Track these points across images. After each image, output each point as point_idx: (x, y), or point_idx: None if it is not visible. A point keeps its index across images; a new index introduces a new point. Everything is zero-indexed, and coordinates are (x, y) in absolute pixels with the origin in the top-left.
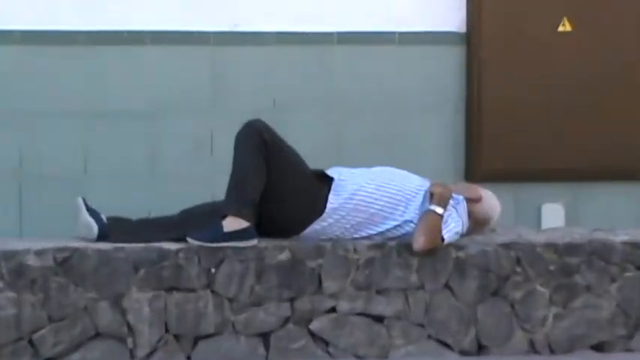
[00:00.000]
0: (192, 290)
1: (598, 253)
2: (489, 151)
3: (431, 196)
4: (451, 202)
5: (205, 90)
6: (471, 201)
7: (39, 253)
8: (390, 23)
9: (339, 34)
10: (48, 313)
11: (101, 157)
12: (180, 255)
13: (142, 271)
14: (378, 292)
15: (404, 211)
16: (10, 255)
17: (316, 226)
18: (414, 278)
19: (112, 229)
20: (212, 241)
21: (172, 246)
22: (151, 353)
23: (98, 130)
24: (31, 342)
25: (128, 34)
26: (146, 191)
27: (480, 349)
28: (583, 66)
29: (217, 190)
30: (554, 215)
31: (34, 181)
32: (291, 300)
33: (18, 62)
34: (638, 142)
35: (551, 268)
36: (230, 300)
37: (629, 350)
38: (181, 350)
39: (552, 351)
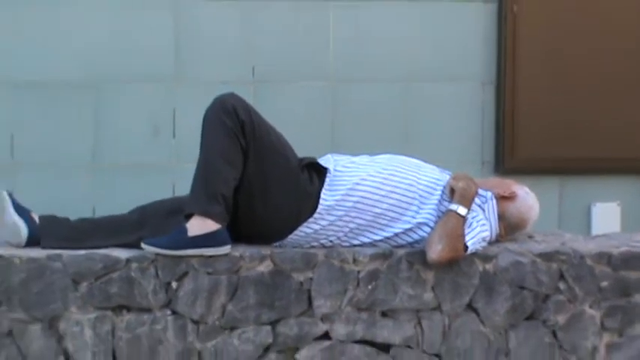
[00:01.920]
0: (148, 310)
1: None
2: (526, 137)
3: (451, 193)
4: (477, 200)
5: (166, 55)
6: (503, 199)
7: None
8: None
9: None
10: None
11: (32, 138)
12: (133, 265)
13: (83, 286)
14: (384, 314)
15: (417, 212)
16: None
17: (306, 229)
18: (428, 297)
19: (45, 231)
20: (174, 249)
21: (123, 254)
22: None
23: (29, 105)
24: None
25: None
26: (89, 183)
27: None
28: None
29: (180, 182)
30: (608, 217)
31: None
32: (273, 323)
33: None
34: None
35: (604, 284)
36: (196, 322)
37: None
38: None
39: None
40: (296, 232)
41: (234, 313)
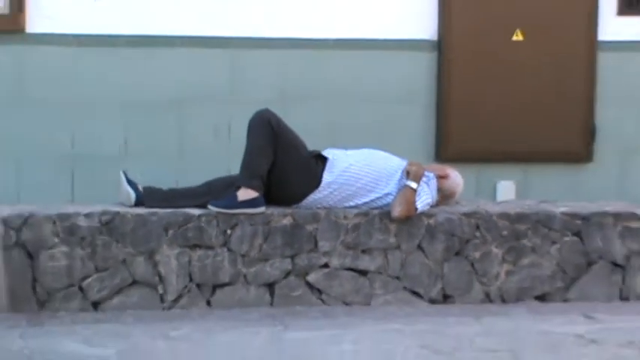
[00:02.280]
0: (212, 248)
1: (542, 222)
2: (455, 137)
3: (407, 174)
4: (424, 178)
5: (225, 85)
6: (440, 178)
7: (87, 216)
8: (376, 32)
9: (335, 40)
10: (94, 264)
11: (139, 139)
12: (202, 219)
13: (170, 232)
14: (363, 251)
15: (385, 186)
16: (64, 217)
17: (313, 196)
18: (392, 240)
19: (146, 197)
20: (228, 208)
21: (196, 211)
22: (178, 298)
23: (137, 117)
24: (80, 288)
25: (162, 38)
26: (175, 167)
27: (445, 298)
28: (531, 70)
29: (233, 167)
30: (507, 190)
31: (84, 159)
32: (292, 257)
33: (73, 61)
34: (572, 132)
35: (504, 233)
36: (242, 256)
37: (565, 300)
38: (202, 297)
39: (504, 300)
40: (307, 199)
41: (267, 250)
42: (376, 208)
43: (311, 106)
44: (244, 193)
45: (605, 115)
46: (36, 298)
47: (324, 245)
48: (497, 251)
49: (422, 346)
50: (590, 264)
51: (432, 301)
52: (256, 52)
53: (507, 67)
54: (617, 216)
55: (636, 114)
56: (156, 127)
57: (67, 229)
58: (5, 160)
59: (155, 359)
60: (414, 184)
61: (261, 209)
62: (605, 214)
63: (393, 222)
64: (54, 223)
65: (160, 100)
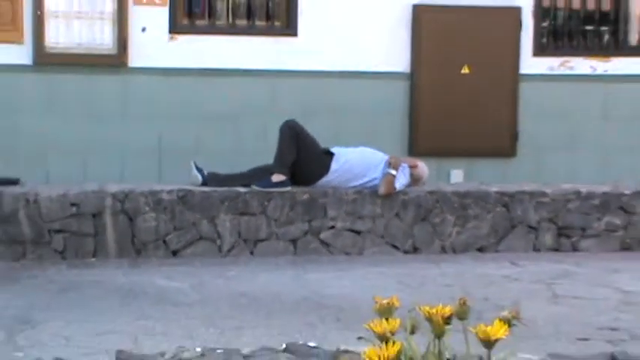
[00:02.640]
0: (254, 214)
1: (481, 197)
2: (422, 138)
3: (389, 164)
4: (400, 168)
5: (264, 104)
6: (412, 167)
7: (169, 192)
8: (369, 66)
9: (339, 72)
10: (173, 225)
11: (207, 139)
12: (247, 195)
13: (225, 203)
14: (359, 217)
15: (373, 173)
16: (153, 193)
17: (324, 180)
18: (378, 210)
19: (210, 179)
20: (265, 187)
21: (243, 190)
22: (230, 249)
23: (205, 125)
24: (164, 241)
25: (220, 70)
26: (231, 158)
27: (415, 250)
28: (474, 93)
29: (268, 159)
30: (457, 176)
31: (168, 152)
32: (309, 221)
33: (160, 87)
34: (502, 137)
35: (455, 205)
36: (275, 220)
37: (497, 251)
38: (247, 248)
39: (455, 251)
40: (319, 181)
41: (291, 216)
42: (367, 188)
43: (323, 118)
44: (276, 177)
45: (525, 125)
46: (134, 248)
47: (331, 213)
48: (450, 218)
49: (398, 282)
50: (513, 226)
51: (406, 252)
52: (285, 80)
53: (458, 91)
54: (532, 194)
55: (545, 124)
56: (217, 131)
57: (155, 201)
58: (114, 155)
59: (216, 291)
60: (393, 172)
61: (288, 188)
62: (524, 192)
63: (379, 198)
64: (146, 197)
65: (219, 114)
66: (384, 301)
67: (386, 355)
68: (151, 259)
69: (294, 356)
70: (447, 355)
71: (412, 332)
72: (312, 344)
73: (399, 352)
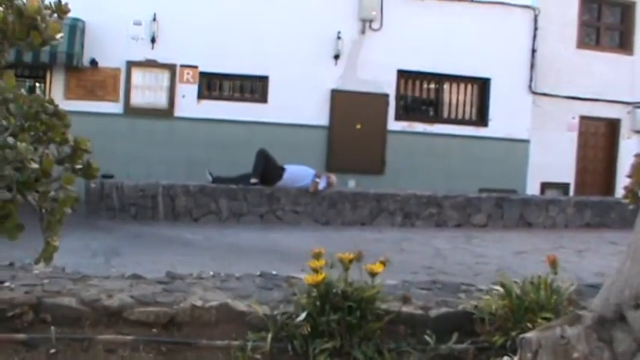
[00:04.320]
0: (240, 200)
1: (364, 195)
2: (334, 161)
3: (316, 175)
4: (322, 177)
5: (249, 139)
6: (328, 178)
7: (194, 186)
8: (302, 120)
9: (279, 124)
10: (195, 204)
11: (217, 157)
12: (237, 189)
13: (224, 193)
14: (298, 204)
15: (307, 180)
16: (184, 185)
17: (279, 183)
18: (309, 200)
19: (216, 180)
20: (247, 186)
21: (234, 186)
22: (226, 219)
23: (218, 150)
24: (190, 213)
25: (228, 120)
26: (229, 169)
27: (327, 223)
28: (362, 138)
29: (249, 169)
30: (352, 184)
31: (195, 165)
32: (270, 205)
33: (195, 129)
34: (376, 161)
35: (350, 199)
36: (251, 204)
37: (372, 225)
38: (235, 219)
39: (349, 224)
40: (276, 184)
41: (260, 202)
42: (303, 188)
43: (280, 149)
44: (253, 180)
45: (389, 157)
46: (173, 216)
47: (282, 201)
48: (347, 205)
49: (317, 241)
50: (381, 211)
51: (323, 224)
52: (259, 127)
53: (354, 137)
54: (391, 195)
55: (400, 157)
56: (222, 153)
57: (185, 190)
58: (165, 164)
59: (218, 241)
60: (318, 180)
61: (259, 187)
62: (387, 194)
63: (309, 194)
64: (181, 187)
65: (223, 143)
66: (317, 250)
67: (317, 279)
68: (182, 222)
69: (265, 278)
70: (349, 280)
71: (331, 267)
72: (274, 272)
73: (324, 278)
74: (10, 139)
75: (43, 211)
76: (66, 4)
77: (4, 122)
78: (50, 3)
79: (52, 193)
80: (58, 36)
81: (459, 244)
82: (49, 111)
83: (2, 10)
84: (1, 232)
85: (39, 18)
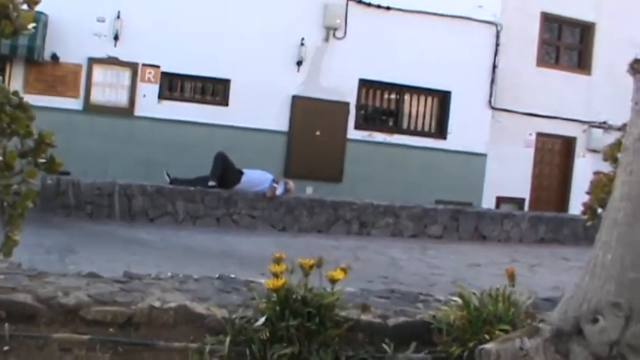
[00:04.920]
0: (196, 202)
1: (321, 203)
2: (292, 167)
3: (274, 181)
4: (280, 183)
5: (208, 141)
6: (286, 184)
7: (151, 186)
8: (267, 125)
9: (250, 129)
10: (152, 204)
11: (174, 158)
12: (194, 191)
13: (181, 195)
14: (254, 208)
15: (264, 184)
16: (142, 185)
17: (237, 186)
18: (266, 204)
19: (173, 181)
20: (204, 188)
21: (192, 188)
22: (182, 221)
23: (177, 150)
24: (146, 213)
25: (189, 122)
26: (187, 170)
27: (284, 229)
28: (323, 146)
29: (207, 172)
30: (309, 191)
31: (153, 165)
32: (227, 208)
33: (153, 128)
34: (335, 170)
35: (307, 205)
36: (208, 206)
37: (328, 233)
38: (191, 221)
39: (305, 231)
40: (234, 187)
41: (217, 205)
42: (260, 192)
43: (239, 152)
44: (211, 183)
45: (347, 166)
46: (130, 216)
47: (239, 204)
48: (304, 212)
49: (275, 246)
50: (337, 219)
51: (279, 230)
52: (219, 129)
53: (314, 144)
54: (348, 203)
55: (358, 166)
56: (180, 154)
57: (142, 190)
58: (123, 163)
59: (174, 243)
60: (275, 185)
61: (217, 189)
62: (344, 202)
63: (266, 198)
64: (138, 187)
65: (182, 144)
66: (278, 255)
67: (278, 284)
68: (138, 222)
69: (224, 282)
70: (309, 286)
71: (291, 272)
72: (232, 276)
73: (284, 283)
74: None
75: (5, 204)
76: None
77: None
78: None
79: (15, 187)
80: (30, 26)
81: (415, 255)
82: (13, 103)
83: None
84: None
85: (11, 6)
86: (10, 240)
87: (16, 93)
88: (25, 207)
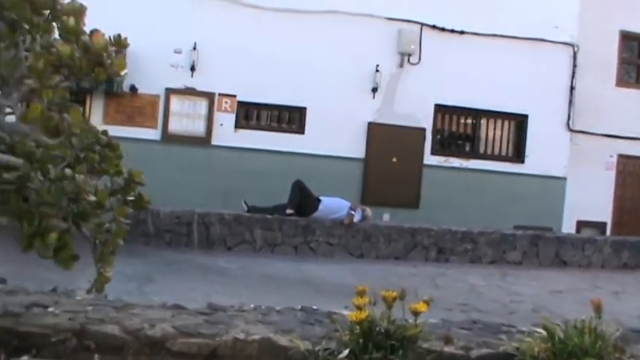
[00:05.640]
0: (274, 230)
1: (399, 229)
2: (369, 194)
3: (351, 208)
4: (357, 210)
5: (286, 170)
6: (363, 211)
7: (229, 214)
8: (342, 152)
9: (322, 155)
10: (230, 232)
11: (254, 187)
12: (272, 219)
13: (259, 223)
14: (332, 235)
15: (342, 212)
16: (220, 214)
17: (314, 214)
18: (343, 232)
19: (251, 209)
20: (282, 216)
21: (269, 216)
22: (260, 249)
23: (255, 179)
24: (224, 241)
25: (266, 150)
26: (265, 199)
27: (362, 256)
28: (400, 172)
29: (285, 200)
30: (386, 217)
31: (231, 193)
32: (305, 236)
33: (231, 157)
34: (412, 196)
35: (385, 232)
36: (286, 234)
37: (405, 259)
38: (270, 249)
39: (383, 258)
40: (312, 215)
41: (295, 233)
42: (338, 220)
43: (316, 179)
44: (289, 211)
45: (424, 191)
46: (208, 244)
47: (317, 232)
48: (382, 239)
49: (353, 273)
50: (415, 246)
51: (357, 257)
52: (296, 158)
53: (390, 171)
54: (426, 229)
55: (436, 192)
56: (259, 182)
57: (220, 218)
58: (202, 192)
59: (252, 271)
60: (352, 212)
61: (294, 217)
62: (422, 228)
63: (344, 226)
64: (216, 216)
65: (260, 172)
66: (361, 287)
67: (361, 317)
68: (216, 251)
69: (306, 313)
70: (392, 318)
71: (374, 305)
72: (315, 307)
73: (368, 315)
74: (67, 171)
75: (97, 242)
76: (125, 38)
77: (60, 153)
78: (110, 37)
79: (107, 225)
80: (123, 72)
81: (494, 281)
82: (102, 142)
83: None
84: (56, 261)
85: (105, 54)
86: (103, 276)
87: (105, 132)
88: (116, 245)
